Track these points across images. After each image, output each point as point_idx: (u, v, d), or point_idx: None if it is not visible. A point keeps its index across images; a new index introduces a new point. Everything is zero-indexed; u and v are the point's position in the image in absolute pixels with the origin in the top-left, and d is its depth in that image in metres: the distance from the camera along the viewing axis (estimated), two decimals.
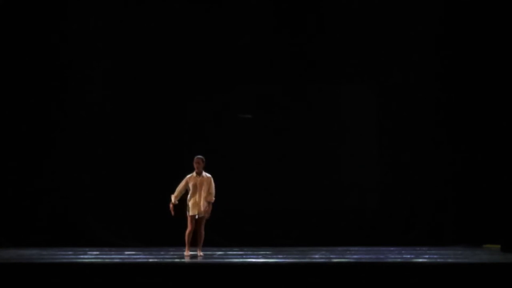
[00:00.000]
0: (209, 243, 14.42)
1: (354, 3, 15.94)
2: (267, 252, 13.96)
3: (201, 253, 13.11)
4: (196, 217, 12.97)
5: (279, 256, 13.20)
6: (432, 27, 15.86)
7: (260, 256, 13.36)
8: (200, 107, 15.94)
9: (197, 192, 13.03)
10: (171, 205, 13.00)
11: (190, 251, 13.12)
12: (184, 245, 13.16)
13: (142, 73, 15.91)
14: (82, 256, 13.31)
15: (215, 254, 13.70)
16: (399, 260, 12.90)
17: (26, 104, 15.73)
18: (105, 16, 15.92)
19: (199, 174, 13.08)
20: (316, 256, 13.26)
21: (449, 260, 12.68)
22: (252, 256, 13.35)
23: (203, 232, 13.10)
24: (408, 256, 13.35)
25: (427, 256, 13.28)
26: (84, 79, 15.90)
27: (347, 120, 16.02)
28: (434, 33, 15.86)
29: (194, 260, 12.70)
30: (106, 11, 15.92)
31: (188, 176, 13.13)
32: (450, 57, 15.78)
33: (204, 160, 13.10)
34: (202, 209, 12.98)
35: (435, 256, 13.24)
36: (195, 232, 13.06)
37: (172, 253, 13.74)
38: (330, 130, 15.97)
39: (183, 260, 12.86)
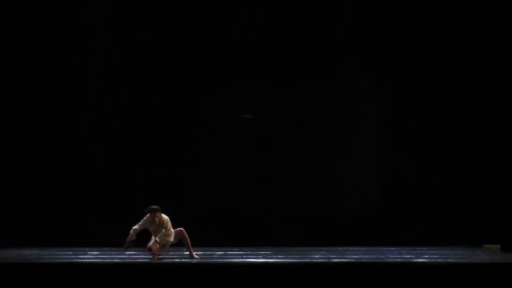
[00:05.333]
0: (209, 243, 14.44)
1: (354, 2, 15.93)
2: (267, 252, 13.96)
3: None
4: None
5: (279, 256, 13.20)
6: (432, 26, 15.85)
7: (260, 256, 13.36)
8: (200, 107, 15.93)
9: None
10: None
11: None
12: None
13: (141, 74, 15.90)
14: (82, 256, 13.32)
15: (215, 254, 13.70)
16: (399, 260, 12.90)
17: (25, 104, 15.72)
18: (106, 12, 15.93)
19: None
20: (316, 256, 13.26)
21: (449, 260, 12.68)
22: (252, 256, 13.35)
23: None
24: (408, 256, 13.35)
25: (427, 256, 13.28)
26: (84, 78, 15.89)
27: (347, 119, 16.01)
28: (434, 32, 15.85)
29: (194, 260, 12.70)
30: (107, 5, 15.92)
31: None
32: (450, 56, 15.77)
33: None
34: None
35: (435, 256, 13.24)
36: None
37: (172, 253, 13.73)
38: (330, 129, 15.96)
39: (183, 260, 12.86)
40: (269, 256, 13.30)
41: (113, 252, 14.10)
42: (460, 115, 15.75)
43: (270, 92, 16.04)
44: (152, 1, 15.93)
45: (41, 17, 15.76)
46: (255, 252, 13.97)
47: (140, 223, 12.87)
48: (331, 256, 13.36)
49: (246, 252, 14.05)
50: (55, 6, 15.82)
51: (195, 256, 12.93)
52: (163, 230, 12.80)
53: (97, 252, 14.10)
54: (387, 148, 15.90)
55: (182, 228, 13.00)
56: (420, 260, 12.76)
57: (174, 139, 15.84)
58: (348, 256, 13.36)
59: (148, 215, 12.89)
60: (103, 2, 15.95)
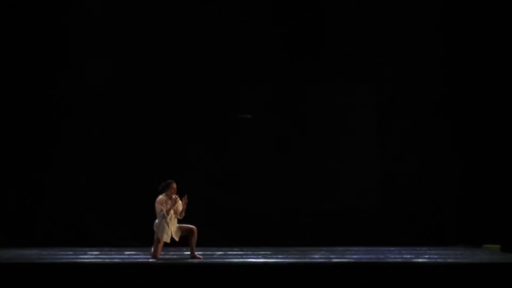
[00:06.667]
0: (209, 243, 14.44)
1: (354, 2, 15.93)
2: (267, 252, 13.96)
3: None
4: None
5: (279, 256, 13.20)
6: (432, 26, 15.85)
7: (260, 256, 13.35)
8: (200, 108, 15.93)
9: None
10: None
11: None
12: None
13: (141, 74, 15.89)
14: (82, 256, 13.32)
15: (215, 254, 13.69)
16: (399, 260, 12.90)
17: (26, 104, 15.72)
18: (107, 12, 15.93)
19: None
20: (316, 256, 13.26)
21: (449, 260, 12.68)
22: (252, 256, 13.35)
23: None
24: (408, 256, 13.35)
25: (427, 256, 13.28)
26: (84, 78, 15.89)
27: (347, 119, 16.01)
28: (434, 33, 15.85)
29: (194, 260, 12.69)
30: (107, 5, 15.93)
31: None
32: (450, 57, 15.77)
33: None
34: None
35: (435, 256, 13.24)
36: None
37: (172, 253, 13.73)
38: (330, 130, 15.96)
39: (183, 260, 12.85)
40: (269, 256, 13.30)
41: (113, 252, 14.11)
42: (461, 116, 15.75)
43: (270, 93, 16.03)
44: (155, 2, 15.93)
45: (41, 16, 15.76)
46: (255, 252, 13.97)
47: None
48: (331, 256, 13.36)
49: (246, 252, 14.05)
50: (55, 7, 15.82)
51: (198, 256, 12.93)
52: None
53: (97, 252, 14.10)
54: (387, 148, 15.90)
55: (194, 227, 13.00)
56: (420, 260, 12.75)
57: (174, 140, 15.84)
58: (348, 256, 13.36)
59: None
60: (102, 3, 15.95)
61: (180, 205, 12.93)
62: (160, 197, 12.91)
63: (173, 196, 12.88)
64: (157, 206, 12.83)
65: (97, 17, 15.91)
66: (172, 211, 12.84)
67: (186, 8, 15.91)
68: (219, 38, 15.89)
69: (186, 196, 12.91)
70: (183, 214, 12.98)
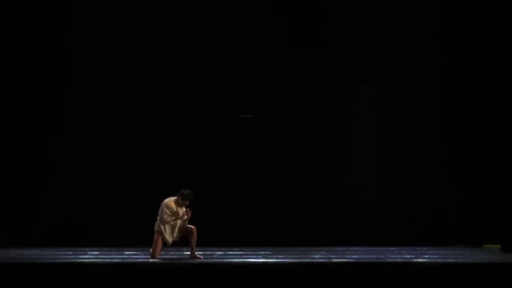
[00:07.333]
0: (209, 243, 14.45)
1: (354, 2, 15.94)
2: (267, 252, 13.96)
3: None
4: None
5: (279, 256, 13.20)
6: (432, 26, 15.86)
7: (260, 256, 13.36)
8: (200, 108, 15.94)
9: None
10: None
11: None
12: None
13: (141, 74, 15.90)
14: (82, 256, 13.32)
15: (215, 254, 13.70)
16: (399, 260, 12.91)
17: (26, 104, 15.73)
18: (107, 15, 15.94)
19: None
20: (316, 256, 13.26)
21: (449, 260, 12.68)
22: (252, 256, 13.35)
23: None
24: (408, 256, 13.36)
25: (427, 256, 13.28)
26: (85, 80, 15.90)
27: (347, 119, 16.02)
28: (434, 33, 15.86)
29: (194, 260, 12.70)
30: (107, 10, 15.92)
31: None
32: (450, 57, 15.77)
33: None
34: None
35: (435, 256, 13.24)
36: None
37: (172, 253, 13.73)
38: (330, 129, 15.97)
39: (183, 260, 12.86)
40: (269, 256, 13.31)
41: (113, 252, 14.12)
42: (460, 115, 15.75)
43: (270, 93, 16.04)
44: (154, 3, 15.93)
45: (43, 19, 15.78)
46: (255, 252, 13.98)
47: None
48: (331, 256, 13.36)
49: (246, 252, 14.05)
50: (56, 10, 15.83)
51: (198, 256, 12.93)
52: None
53: (97, 252, 14.10)
54: (387, 148, 15.90)
55: (194, 227, 12.98)
56: (420, 260, 12.76)
57: (174, 141, 15.84)
58: (348, 256, 13.37)
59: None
60: (103, 5, 15.95)
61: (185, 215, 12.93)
62: (171, 201, 12.86)
63: (187, 210, 12.81)
64: (165, 211, 12.77)
65: (98, 19, 15.91)
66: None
67: (186, 9, 15.92)
68: (219, 38, 15.90)
69: (190, 211, 12.87)
70: (186, 223, 12.95)
